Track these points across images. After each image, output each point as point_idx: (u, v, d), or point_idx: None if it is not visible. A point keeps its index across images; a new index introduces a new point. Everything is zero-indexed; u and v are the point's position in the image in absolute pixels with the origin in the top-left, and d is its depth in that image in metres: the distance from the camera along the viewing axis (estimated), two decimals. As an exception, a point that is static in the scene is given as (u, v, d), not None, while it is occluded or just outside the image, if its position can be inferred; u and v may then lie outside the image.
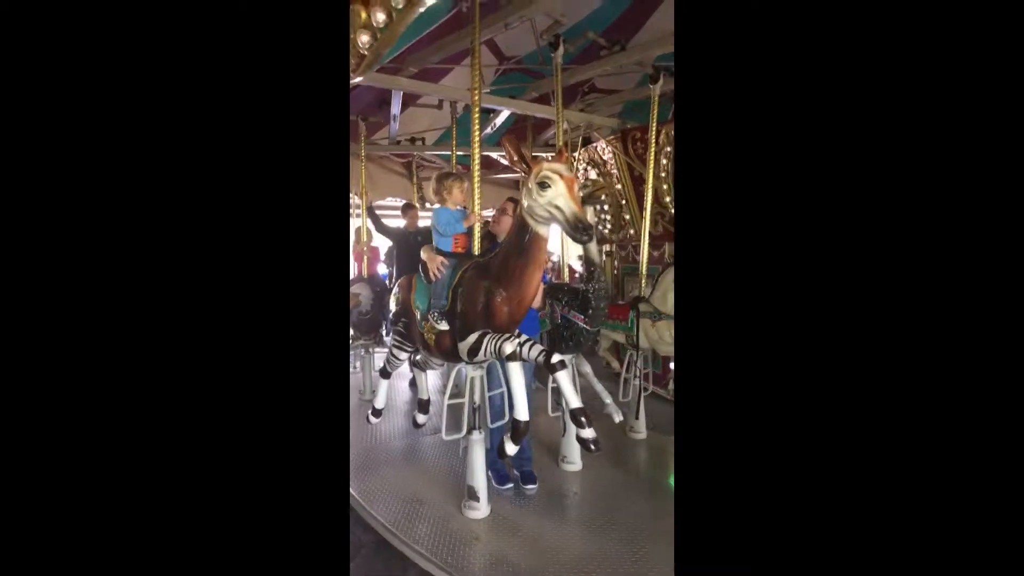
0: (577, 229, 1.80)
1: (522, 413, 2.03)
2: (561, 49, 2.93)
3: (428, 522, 2.36)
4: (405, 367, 3.02)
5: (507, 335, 2.04)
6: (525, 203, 1.94)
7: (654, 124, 3.40)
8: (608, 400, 3.02)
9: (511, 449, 2.06)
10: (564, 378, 1.96)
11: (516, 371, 2.02)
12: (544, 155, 4.69)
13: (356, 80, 2.08)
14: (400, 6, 1.77)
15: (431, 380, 3.67)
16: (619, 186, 4.14)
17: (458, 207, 2.43)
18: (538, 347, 2.03)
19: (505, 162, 6.25)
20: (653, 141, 3.43)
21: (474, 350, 2.12)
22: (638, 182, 4.07)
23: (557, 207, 1.84)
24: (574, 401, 1.96)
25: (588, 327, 2.75)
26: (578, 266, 5.36)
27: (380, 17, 1.84)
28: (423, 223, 4.36)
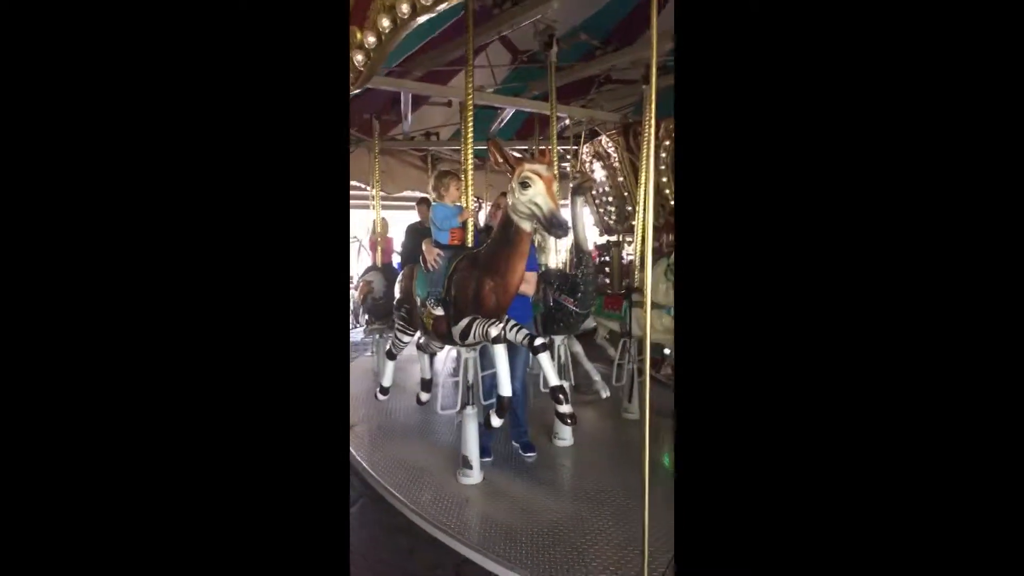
0: (553, 225, 2.00)
1: (505, 389, 2.27)
2: (555, 48, 3.10)
3: (427, 488, 2.62)
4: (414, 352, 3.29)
5: (494, 320, 2.27)
6: (509, 200, 2.15)
7: (650, 120, 3.57)
8: (597, 377, 3.24)
9: (496, 422, 2.30)
10: (545, 359, 2.19)
11: (501, 352, 2.25)
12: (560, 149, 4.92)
13: (355, 92, 2.32)
14: (387, 31, 2.00)
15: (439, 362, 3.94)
16: (622, 179, 4.30)
17: (455, 203, 2.66)
18: (523, 331, 2.25)
19: (517, 155, 6.48)
20: (650, 136, 3.60)
21: (465, 333, 2.35)
22: (639, 173, 4.23)
23: (536, 204, 2.04)
24: (553, 379, 2.19)
25: (578, 309, 2.96)
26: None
27: (371, 39, 2.07)
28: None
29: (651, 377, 3.34)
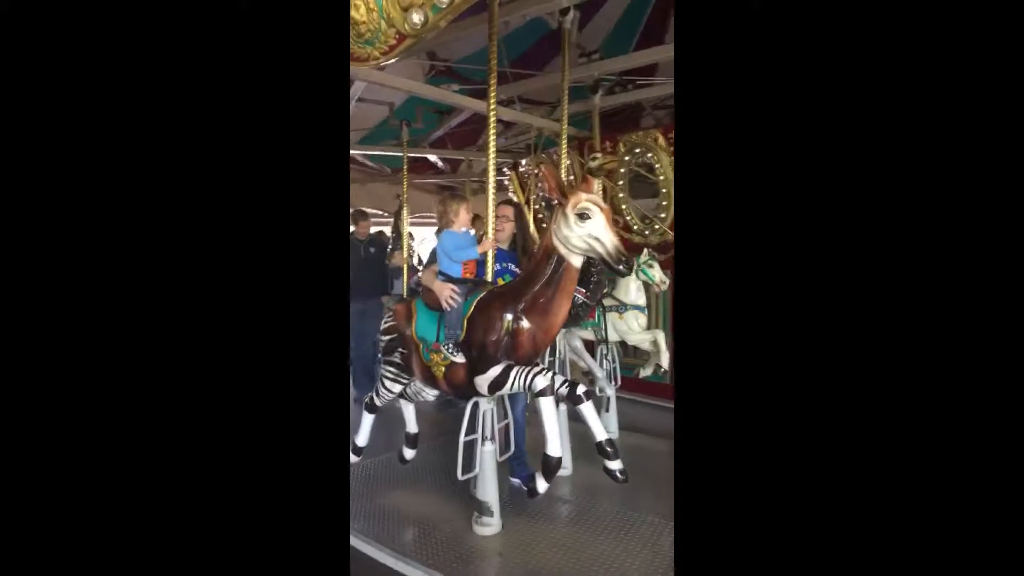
0: (619, 262, 1.88)
1: (555, 449, 2.05)
2: (571, 14, 2.69)
3: (444, 546, 2.32)
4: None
5: (539, 369, 2.07)
6: (561, 233, 1.97)
7: (597, 137, 3.63)
8: (600, 375, 3.19)
9: (543, 487, 2.09)
10: (588, 410, 2.03)
11: (548, 406, 2.04)
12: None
13: (391, 61, 1.90)
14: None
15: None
16: (574, 192, 4.31)
17: (463, 229, 2.40)
18: (560, 378, 2.10)
19: (441, 164, 6.18)
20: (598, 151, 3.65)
21: (498, 384, 2.10)
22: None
23: (597, 239, 1.90)
24: (600, 433, 2.02)
25: (588, 300, 2.87)
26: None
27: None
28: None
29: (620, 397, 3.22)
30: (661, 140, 3.87)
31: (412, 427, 2.84)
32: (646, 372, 3.67)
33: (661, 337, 3.36)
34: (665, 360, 3.36)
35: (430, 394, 2.73)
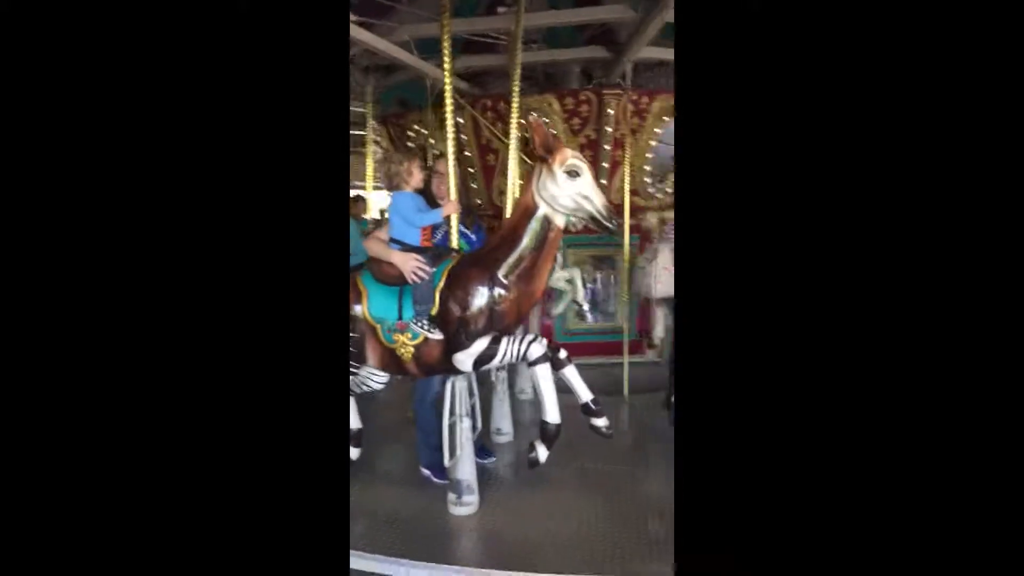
0: (610, 220, 1.89)
1: (554, 416, 2.01)
2: None
3: (433, 538, 2.15)
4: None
5: (532, 336, 2.01)
6: (547, 191, 1.90)
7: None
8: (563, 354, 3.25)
9: (543, 455, 2.06)
10: (572, 373, 2.04)
11: (546, 373, 1.99)
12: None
13: None
14: None
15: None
16: (467, 152, 4.18)
17: (417, 192, 2.18)
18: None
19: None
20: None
21: (486, 357, 1.99)
22: (484, 151, 4.18)
23: (586, 197, 1.88)
24: (584, 394, 2.04)
25: None
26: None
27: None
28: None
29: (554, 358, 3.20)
30: (556, 105, 3.92)
31: (356, 422, 2.54)
32: (558, 310, 3.81)
33: (577, 275, 3.49)
34: (580, 296, 3.51)
35: (378, 382, 2.47)
